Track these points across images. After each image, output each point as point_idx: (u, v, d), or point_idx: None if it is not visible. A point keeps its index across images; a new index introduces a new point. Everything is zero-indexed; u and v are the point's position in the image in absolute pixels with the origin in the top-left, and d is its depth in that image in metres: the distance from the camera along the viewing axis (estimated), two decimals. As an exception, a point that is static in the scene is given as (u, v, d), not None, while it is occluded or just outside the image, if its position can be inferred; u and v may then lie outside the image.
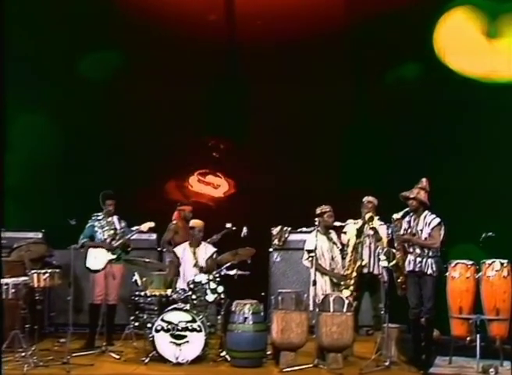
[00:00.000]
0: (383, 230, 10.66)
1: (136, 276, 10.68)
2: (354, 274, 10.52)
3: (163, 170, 12.32)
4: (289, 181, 11.95)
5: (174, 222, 11.64)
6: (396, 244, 10.03)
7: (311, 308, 10.09)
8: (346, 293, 10.17)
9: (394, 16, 11.53)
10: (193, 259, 10.76)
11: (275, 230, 12.12)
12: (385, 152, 11.70)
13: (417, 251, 9.75)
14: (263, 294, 10.87)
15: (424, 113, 11.52)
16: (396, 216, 9.88)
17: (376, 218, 10.70)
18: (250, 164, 12.18)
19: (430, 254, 9.69)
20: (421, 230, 9.76)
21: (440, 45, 11.46)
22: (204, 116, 12.38)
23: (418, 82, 11.84)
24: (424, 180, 9.83)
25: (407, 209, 9.81)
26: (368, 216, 10.62)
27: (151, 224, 10.74)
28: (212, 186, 12.77)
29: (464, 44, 11.35)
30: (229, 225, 11.04)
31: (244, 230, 10.76)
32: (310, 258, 10.33)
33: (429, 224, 9.72)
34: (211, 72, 12.20)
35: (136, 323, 10.54)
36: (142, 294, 10.55)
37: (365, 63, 12.07)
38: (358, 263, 10.57)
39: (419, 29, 11.47)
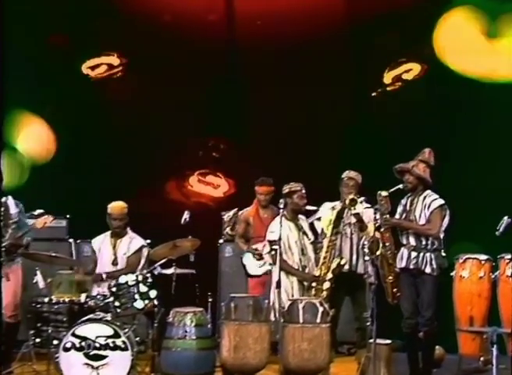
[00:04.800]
0: (369, 216, 8.26)
1: (39, 277, 8.60)
2: (330, 276, 8.39)
3: (163, 170, 12.34)
4: (289, 181, 11.96)
5: (246, 209, 9.47)
6: (382, 231, 8.01)
7: (273, 318, 8.24)
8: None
9: (394, 16, 11.58)
10: (111, 255, 8.93)
11: (227, 216, 9.89)
12: (384, 153, 11.70)
13: (412, 242, 7.95)
14: (210, 300, 8.97)
15: (424, 113, 11.52)
16: (383, 193, 7.94)
17: (360, 200, 8.38)
18: (250, 164, 12.19)
19: (429, 246, 7.92)
20: (420, 215, 7.94)
21: (440, 45, 11.46)
22: (204, 115, 12.40)
23: (418, 82, 11.87)
24: (427, 150, 8.21)
25: (399, 186, 7.97)
26: (349, 198, 8.35)
27: (49, 219, 8.66)
28: (212, 186, 12.71)
29: (464, 44, 11.27)
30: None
31: (185, 214, 8.68)
32: (272, 252, 8.27)
33: (429, 206, 7.94)
34: (211, 72, 12.21)
35: (38, 339, 8.37)
36: (46, 300, 8.40)
37: (365, 63, 12.11)
38: (336, 262, 8.39)
39: (419, 29, 11.49)
